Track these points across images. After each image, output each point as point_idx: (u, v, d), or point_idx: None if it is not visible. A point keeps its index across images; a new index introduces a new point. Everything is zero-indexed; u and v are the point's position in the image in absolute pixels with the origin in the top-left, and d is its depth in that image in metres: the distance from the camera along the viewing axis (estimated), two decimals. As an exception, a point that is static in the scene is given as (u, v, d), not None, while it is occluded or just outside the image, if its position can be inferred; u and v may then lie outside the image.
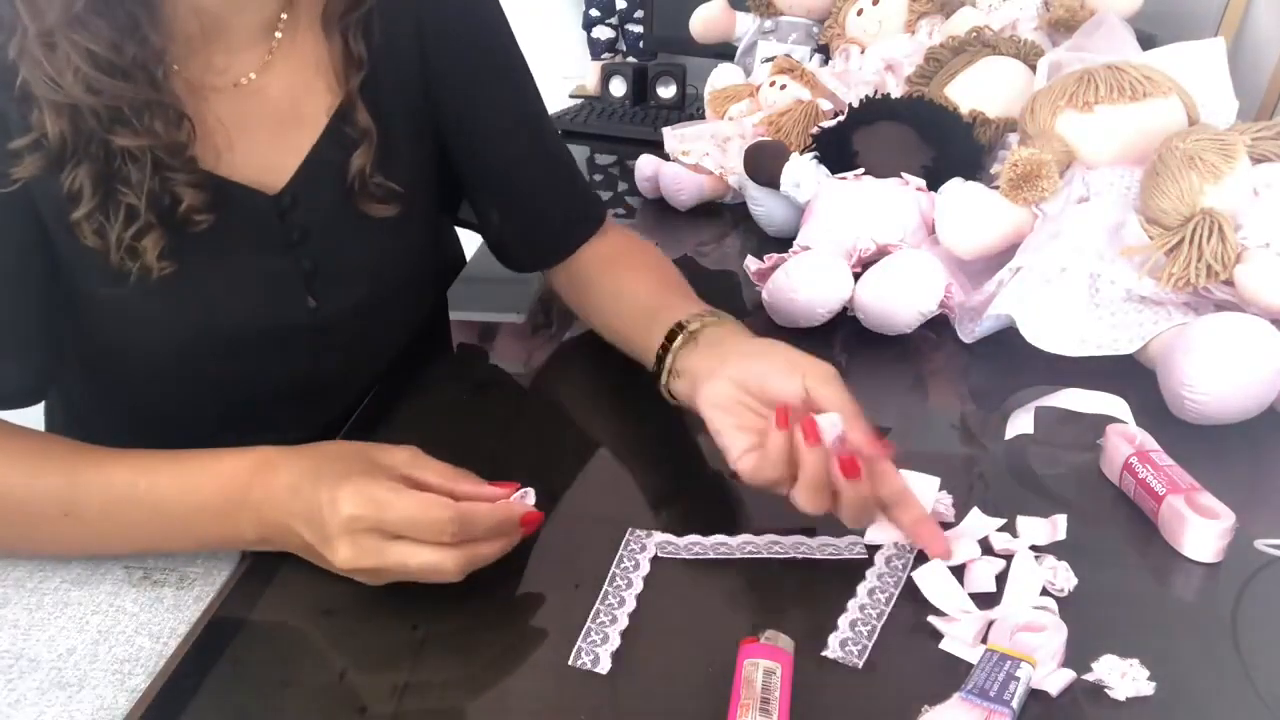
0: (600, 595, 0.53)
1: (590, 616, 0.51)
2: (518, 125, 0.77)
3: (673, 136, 1.20)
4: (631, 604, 0.53)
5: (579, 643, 0.50)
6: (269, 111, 0.66)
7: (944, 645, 0.50)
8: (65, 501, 0.55)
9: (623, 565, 0.55)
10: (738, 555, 0.57)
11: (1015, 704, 0.44)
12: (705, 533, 0.58)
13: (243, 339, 0.68)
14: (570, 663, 0.49)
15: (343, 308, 0.71)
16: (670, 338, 0.65)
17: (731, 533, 0.58)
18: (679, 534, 0.58)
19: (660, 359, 0.65)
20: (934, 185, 0.92)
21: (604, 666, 0.48)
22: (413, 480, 0.53)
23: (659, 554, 0.56)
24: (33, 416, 0.70)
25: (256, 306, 0.68)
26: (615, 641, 0.50)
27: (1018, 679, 0.45)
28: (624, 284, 0.76)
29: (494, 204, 0.79)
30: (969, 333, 0.82)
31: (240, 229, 0.65)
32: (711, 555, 0.57)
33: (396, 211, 0.70)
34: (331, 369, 0.74)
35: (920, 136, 0.95)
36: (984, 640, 0.50)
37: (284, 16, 0.66)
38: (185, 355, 0.68)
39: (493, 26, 0.76)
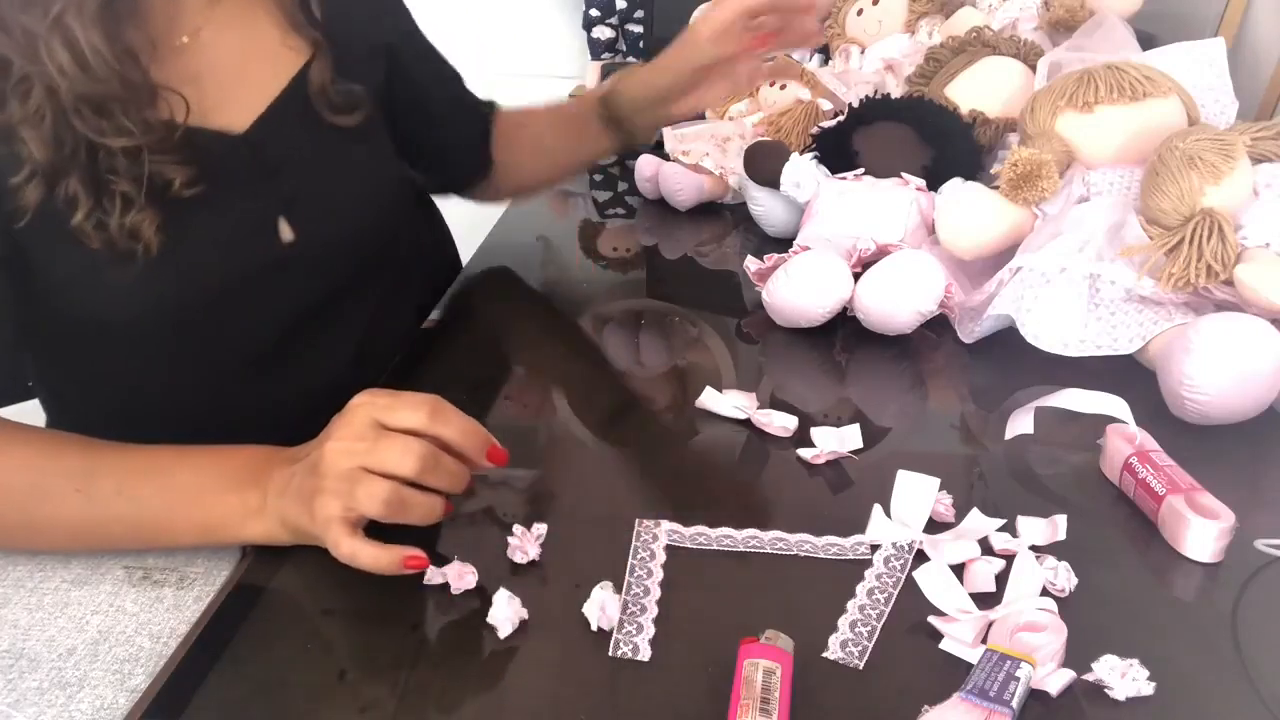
0: (625, 586, 0.54)
1: (621, 608, 0.52)
2: (427, 49, 0.91)
3: (673, 136, 1.20)
4: (657, 591, 0.53)
5: (615, 634, 0.50)
6: (227, 57, 0.70)
7: (944, 645, 0.50)
8: (80, 478, 0.57)
9: (639, 556, 0.56)
10: (741, 549, 0.57)
11: (1015, 704, 0.44)
12: (711, 525, 0.59)
13: (231, 282, 0.70)
14: (610, 653, 0.49)
15: (323, 237, 0.74)
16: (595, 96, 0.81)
17: (739, 526, 0.58)
18: (685, 525, 0.59)
19: (602, 102, 0.89)
20: (934, 185, 0.92)
21: (644, 654, 0.49)
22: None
23: (669, 542, 0.57)
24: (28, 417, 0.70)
25: (240, 246, 0.70)
26: (650, 630, 0.51)
27: (1018, 679, 0.45)
28: (531, 125, 0.98)
29: (425, 128, 0.90)
30: (969, 333, 0.82)
31: (216, 174, 0.67)
32: (715, 547, 0.57)
33: (361, 118, 0.74)
34: (320, 305, 0.77)
35: (920, 136, 0.95)
36: (984, 640, 0.50)
37: None
38: (179, 309, 0.69)
39: None
